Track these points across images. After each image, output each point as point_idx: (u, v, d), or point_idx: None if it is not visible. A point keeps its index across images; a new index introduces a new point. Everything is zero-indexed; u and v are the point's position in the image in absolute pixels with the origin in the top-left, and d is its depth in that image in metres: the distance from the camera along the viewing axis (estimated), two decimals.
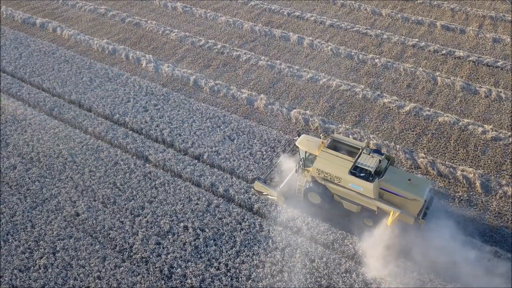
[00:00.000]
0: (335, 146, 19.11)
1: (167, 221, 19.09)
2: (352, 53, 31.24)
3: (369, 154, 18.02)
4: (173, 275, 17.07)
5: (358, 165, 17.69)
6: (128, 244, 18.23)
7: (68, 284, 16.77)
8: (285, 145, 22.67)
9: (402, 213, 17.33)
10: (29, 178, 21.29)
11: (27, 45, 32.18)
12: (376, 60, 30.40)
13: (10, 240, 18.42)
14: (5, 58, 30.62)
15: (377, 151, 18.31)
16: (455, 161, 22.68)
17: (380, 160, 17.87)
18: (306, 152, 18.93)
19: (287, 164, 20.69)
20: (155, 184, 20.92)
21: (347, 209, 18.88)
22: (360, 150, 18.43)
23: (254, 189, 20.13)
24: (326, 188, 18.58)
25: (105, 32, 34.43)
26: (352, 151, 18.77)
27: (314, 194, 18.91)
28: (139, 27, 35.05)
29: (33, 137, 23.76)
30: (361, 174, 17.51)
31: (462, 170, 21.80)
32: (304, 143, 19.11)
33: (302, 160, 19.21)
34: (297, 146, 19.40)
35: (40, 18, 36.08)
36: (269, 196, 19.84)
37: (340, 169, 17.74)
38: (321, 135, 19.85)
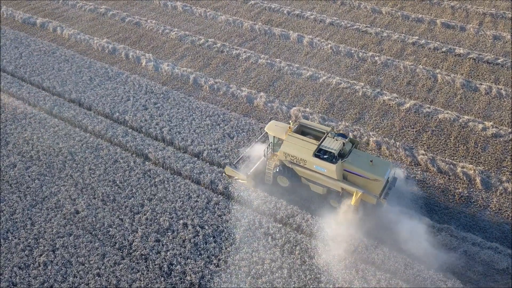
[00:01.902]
0: (302, 130, 19.77)
1: (166, 218, 19.08)
2: (352, 51, 31.21)
3: (333, 138, 18.62)
4: (172, 272, 17.05)
5: (322, 148, 18.32)
6: (128, 241, 18.23)
7: (68, 281, 16.77)
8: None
9: (364, 193, 17.97)
10: (29, 176, 21.31)
11: (27, 44, 32.25)
12: (376, 58, 30.36)
13: (10, 238, 18.43)
14: (6, 58, 30.70)
15: (342, 134, 18.79)
16: (455, 157, 22.61)
17: (344, 143, 18.49)
18: (274, 136, 19.61)
19: (259, 150, 21.21)
20: (155, 182, 20.92)
21: (314, 191, 19.57)
22: (325, 134, 18.98)
23: (225, 173, 20.71)
24: (293, 171, 19.32)
25: (105, 32, 34.48)
26: (318, 135, 19.38)
27: (282, 177, 19.67)
28: (139, 26, 35.09)
29: (33, 135, 23.79)
30: (325, 156, 18.17)
31: (462, 167, 21.74)
32: (272, 128, 19.77)
33: (270, 144, 19.91)
34: (266, 131, 20.15)
35: (40, 18, 36.17)
36: (239, 180, 20.39)
37: (305, 152, 18.46)
38: (290, 121, 20.35)
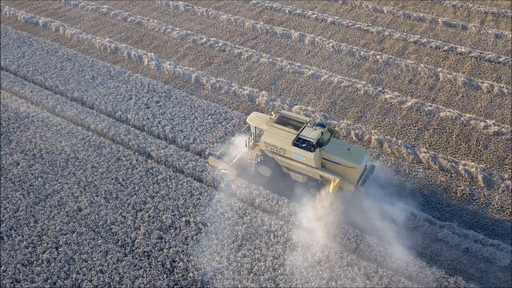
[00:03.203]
0: (283, 121, 20.27)
1: (169, 215, 19.14)
2: (354, 50, 31.24)
3: (312, 127, 19.16)
4: (175, 269, 17.10)
5: (301, 137, 18.91)
6: (130, 238, 18.28)
7: (71, 278, 16.83)
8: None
9: (342, 180, 18.44)
10: (32, 174, 21.39)
11: (30, 44, 32.36)
12: (378, 57, 30.39)
13: (14, 235, 18.50)
14: (8, 57, 30.80)
15: (321, 124, 19.39)
16: (457, 155, 22.63)
17: (322, 133, 19.07)
18: (255, 127, 20.15)
19: (242, 141, 21.63)
20: (157, 180, 20.98)
21: (294, 180, 20.06)
22: (304, 124, 19.51)
23: (208, 164, 21.28)
24: (274, 160, 19.86)
25: (107, 31, 34.58)
26: (298, 126, 19.94)
27: (264, 167, 20.20)
28: (141, 26, 35.19)
29: (36, 134, 23.87)
30: (303, 145, 18.73)
31: (464, 165, 21.75)
32: (254, 119, 20.35)
33: (252, 135, 20.49)
34: (247, 122, 20.80)
35: (43, 17, 36.28)
36: (222, 170, 20.87)
37: (284, 141, 19.05)
38: (272, 112, 20.95)
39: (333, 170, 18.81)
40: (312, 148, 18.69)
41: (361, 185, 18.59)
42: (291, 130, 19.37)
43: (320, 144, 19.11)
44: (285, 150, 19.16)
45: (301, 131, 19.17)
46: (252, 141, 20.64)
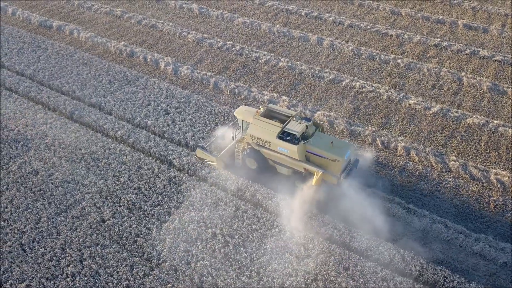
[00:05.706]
0: (269, 115, 20.39)
1: (194, 227, 18.62)
2: (374, 54, 30.64)
3: (297, 121, 19.43)
4: (203, 284, 16.58)
5: (286, 130, 19.19)
6: (156, 251, 17.77)
7: None
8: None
9: (325, 173, 18.69)
10: (52, 184, 20.92)
11: (45, 48, 31.91)
12: (399, 61, 29.77)
13: (36, 248, 18.02)
14: (24, 61, 30.34)
15: (306, 118, 19.69)
16: (487, 164, 22.00)
17: (307, 126, 19.31)
18: (242, 120, 20.41)
19: (230, 134, 21.79)
20: (181, 189, 20.47)
21: (280, 173, 20.38)
22: (290, 117, 19.42)
23: (196, 156, 21.45)
24: (260, 153, 20.01)
25: (122, 35, 34.10)
26: (284, 119, 20.06)
27: (251, 159, 20.36)
28: (155, 29, 34.69)
29: (54, 141, 23.40)
30: (288, 138, 18.93)
31: (496, 174, 21.12)
32: (241, 112, 20.70)
33: (239, 128, 20.79)
34: (235, 115, 21.07)
35: (56, 20, 35.83)
36: (210, 163, 21.10)
37: (269, 134, 19.23)
38: (260, 106, 21.29)
39: (317, 163, 19.01)
40: (296, 141, 18.84)
41: (344, 178, 18.75)
42: (276, 123, 19.55)
43: (305, 137, 19.31)
44: (270, 143, 19.40)
45: (286, 124, 19.38)
46: (239, 134, 20.92)
